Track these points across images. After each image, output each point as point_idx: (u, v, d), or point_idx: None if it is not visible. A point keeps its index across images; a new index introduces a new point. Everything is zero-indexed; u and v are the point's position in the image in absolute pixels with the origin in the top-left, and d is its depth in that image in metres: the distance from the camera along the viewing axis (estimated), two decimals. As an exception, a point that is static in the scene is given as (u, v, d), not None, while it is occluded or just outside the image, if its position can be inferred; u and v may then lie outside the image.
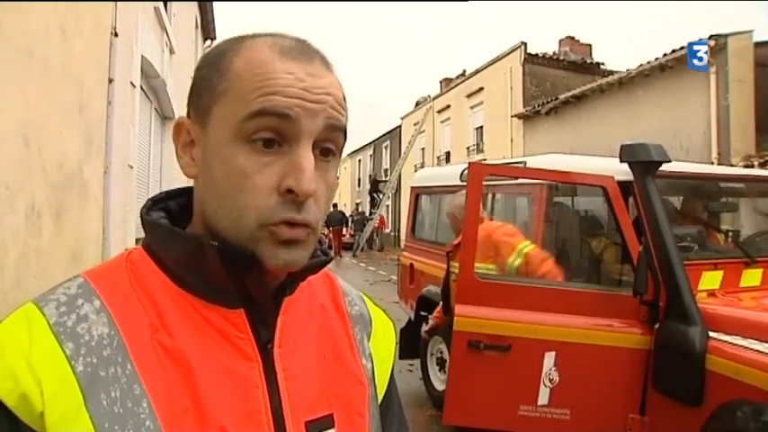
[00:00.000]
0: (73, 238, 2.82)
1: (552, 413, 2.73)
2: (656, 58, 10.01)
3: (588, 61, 16.52)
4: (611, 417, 2.76)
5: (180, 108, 7.07)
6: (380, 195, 21.66)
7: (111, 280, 0.55)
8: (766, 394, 2.19)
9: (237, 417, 0.53)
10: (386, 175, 23.74)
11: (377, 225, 21.98)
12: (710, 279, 2.99)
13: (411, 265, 5.36)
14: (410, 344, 4.56)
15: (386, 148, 28.48)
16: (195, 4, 9.95)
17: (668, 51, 9.79)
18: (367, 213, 23.45)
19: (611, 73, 13.03)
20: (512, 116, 15.35)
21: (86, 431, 0.46)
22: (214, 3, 10.96)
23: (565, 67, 15.81)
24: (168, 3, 6.44)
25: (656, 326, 2.73)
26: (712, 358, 2.45)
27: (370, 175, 24.97)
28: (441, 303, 3.74)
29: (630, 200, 3.04)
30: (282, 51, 0.54)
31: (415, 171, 11.75)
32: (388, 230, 24.61)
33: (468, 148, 18.43)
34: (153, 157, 6.04)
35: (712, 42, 8.86)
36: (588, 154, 4.36)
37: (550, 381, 2.73)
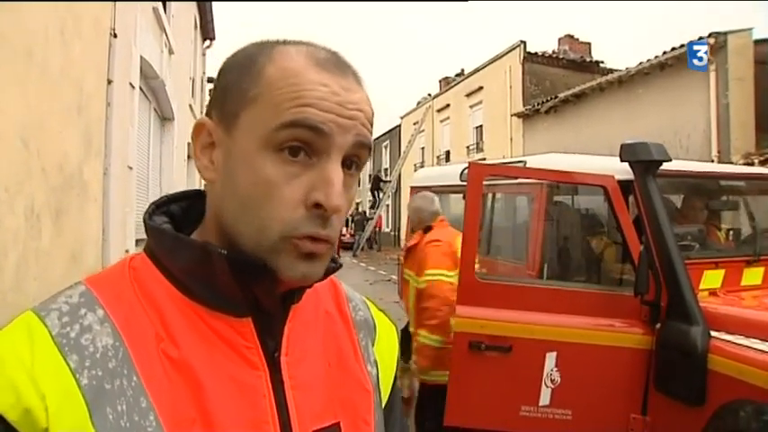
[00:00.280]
0: (72, 240, 2.82)
1: (554, 414, 2.72)
2: (656, 57, 10.01)
3: (587, 60, 16.54)
4: (613, 417, 2.75)
5: (180, 109, 7.07)
6: (381, 194, 21.66)
7: (113, 288, 0.54)
8: (769, 394, 2.18)
9: (245, 427, 0.52)
10: (386, 175, 23.74)
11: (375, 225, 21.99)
12: (712, 278, 2.98)
13: (411, 264, 5.34)
14: (410, 344, 4.55)
15: (385, 147, 28.49)
16: (194, 4, 9.94)
17: (668, 49, 9.79)
18: (367, 212, 23.45)
19: (611, 71, 13.03)
20: (511, 115, 15.36)
21: None
22: (213, 3, 10.96)
23: (564, 66, 15.83)
24: (167, 3, 6.43)
25: (658, 325, 2.72)
26: (714, 358, 2.44)
27: (369, 175, 24.95)
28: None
29: (630, 199, 3.03)
30: (318, 62, 0.53)
31: (415, 170, 11.76)
32: (388, 230, 24.60)
33: (467, 147, 18.44)
34: (152, 157, 6.03)
35: (712, 40, 8.86)
36: (588, 153, 4.35)
37: (552, 381, 2.72)
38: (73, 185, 2.79)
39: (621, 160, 2.94)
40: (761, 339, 2.35)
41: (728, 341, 2.45)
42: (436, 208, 3.40)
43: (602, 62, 16.24)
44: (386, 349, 0.71)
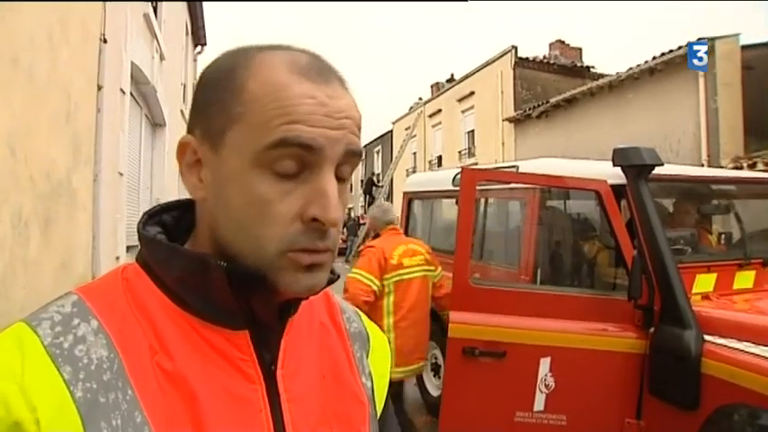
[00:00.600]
0: (62, 248, 2.78)
1: (548, 419, 2.72)
2: (646, 62, 10.09)
3: (578, 65, 16.65)
4: (608, 421, 2.74)
5: (171, 114, 7.03)
6: (374, 199, 21.65)
7: (106, 298, 0.52)
8: (762, 398, 2.18)
9: None
10: (378, 181, 23.75)
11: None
12: (704, 282, 2.99)
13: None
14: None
15: (377, 152, 28.51)
16: (186, 10, 9.91)
17: (657, 55, 9.87)
18: (360, 218, 23.40)
19: (601, 76, 13.13)
20: (503, 120, 15.42)
21: None
22: (204, 8, 10.93)
23: (555, 71, 15.92)
24: (158, 9, 6.40)
25: (651, 330, 2.73)
26: (708, 362, 2.44)
27: (362, 180, 24.95)
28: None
29: (623, 203, 3.04)
30: (301, 72, 0.51)
31: (407, 176, 11.77)
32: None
33: (459, 152, 18.48)
34: (143, 164, 5.99)
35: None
36: (579, 157, 4.37)
37: (546, 386, 2.71)
38: (61, 193, 2.75)
39: (614, 165, 2.95)
40: (753, 343, 2.36)
41: (722, 345, 2.45)
42: (389, 218, 3.57)
43: (593, 67, 16.36)
44: (379, 361, 0.71)
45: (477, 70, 17.53)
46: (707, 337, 2.51)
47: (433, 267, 3.46)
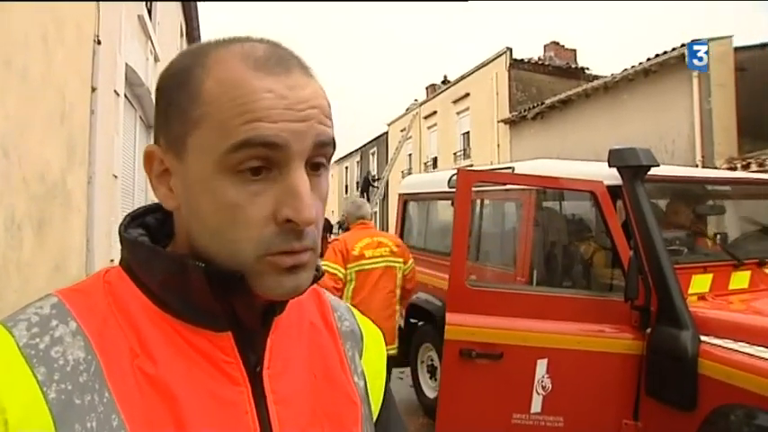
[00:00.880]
0: (56, 250, 2.76)
1: (546, 421, 2.71)
2: (640, 63, 10.14)
3: (573, 66, 16.71)
4: (605, 423, 2.74)
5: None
6: (371, 196, 21.64)
7: (87, 301, 0.51)
8: (759, 398, 2.18)
9: None
10: (373, 180, 23.74)
11: None
12: (700, 282, 2.99)
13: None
14: (400, 352, 4.53)
15: (373, 154, 28.50)
16: (180, 12, 9.88)
17: (652, 56, 9.92)
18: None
19: (596, 78, 13.17)
20: (498, 121, 15.45)
21: None
22: (199, 9, 10.91)
23: (550, 73, 15.97)
24: (152, 11, 6.38)
25: (648, 330, 2.73)
26: (704, 362, 2.44)
27: (357, 182, 24.93)
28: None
29: (618, 204, 3.04)
30: (257, 65, 0.49)
31: (403, 177, 11.76)
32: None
33: (455, 153, 18.51)
34: (138, 166, 5.96)
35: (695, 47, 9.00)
36: (574, 158, 4.37)
37: (543, 388, 2.71)
38: (56, 195, 2.73)
39: (610, 166, 2.95)
40: (749, 343, 2.36)
41: (718, 345, 2.45)
42: (360, 213, 3.72)
43: (588, 69, 16.42)
44: (374, 360, 0.69)
45: (473, 72, 17.56)
46: (703, 338, 2.51)
47: (400, 259, 3.57)
